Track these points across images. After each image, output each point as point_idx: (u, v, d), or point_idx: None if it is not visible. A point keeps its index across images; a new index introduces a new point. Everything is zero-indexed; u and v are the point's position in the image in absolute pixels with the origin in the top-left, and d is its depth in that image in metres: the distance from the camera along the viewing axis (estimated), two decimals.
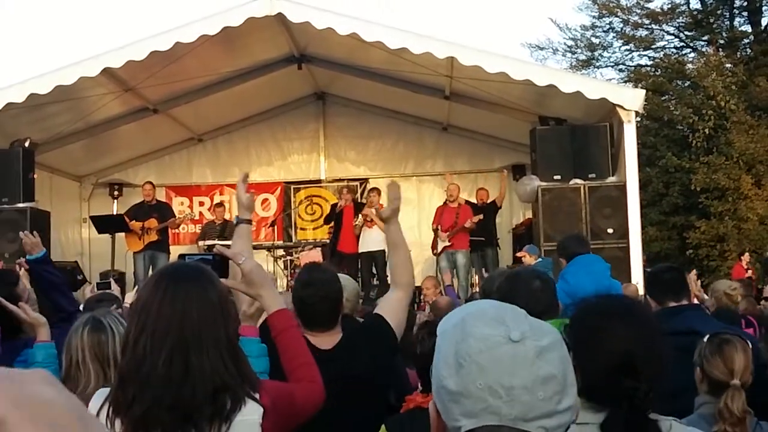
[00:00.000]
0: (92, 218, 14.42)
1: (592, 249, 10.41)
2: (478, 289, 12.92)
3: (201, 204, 16.35)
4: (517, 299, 3.41)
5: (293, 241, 15.69)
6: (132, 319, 2.30)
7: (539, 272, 4.02)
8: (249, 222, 3.58)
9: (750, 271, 15.85)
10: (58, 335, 4.22)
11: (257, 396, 2.27)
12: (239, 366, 2.27)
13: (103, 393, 2.34)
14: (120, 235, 13.59)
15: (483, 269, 13.61)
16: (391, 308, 3.65)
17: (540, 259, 10.45)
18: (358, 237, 13.95)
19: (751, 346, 3.53)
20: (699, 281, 6.98)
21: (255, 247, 13.69)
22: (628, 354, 2.15)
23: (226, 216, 14.80)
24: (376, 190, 14.62)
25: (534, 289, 3.47)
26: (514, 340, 1.40)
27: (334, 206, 14.26)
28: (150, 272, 13.10)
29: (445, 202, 13.82)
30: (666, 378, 3.87)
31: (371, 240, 13.88)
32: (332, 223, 14.22)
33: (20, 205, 11.41)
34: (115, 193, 15.89)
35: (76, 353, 3.08)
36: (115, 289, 6.11)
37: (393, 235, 3.76)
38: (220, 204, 15.03)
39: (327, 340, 3.44)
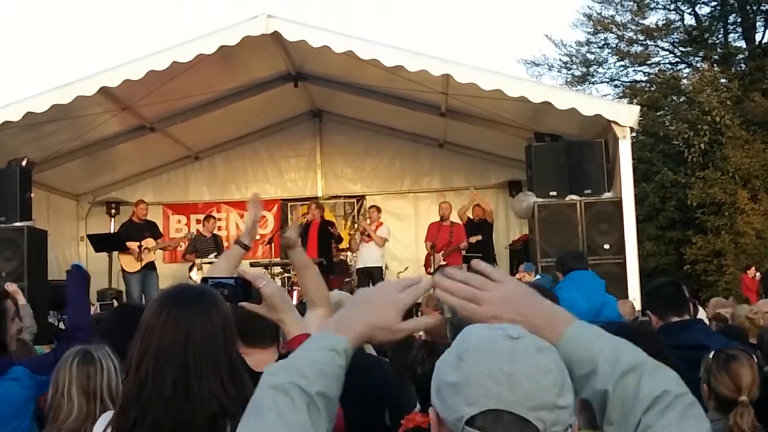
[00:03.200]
0: (89, 237, 14.42)
1: (588, 265, 10.50)
2: None
3: (198, 222, 16.32)
4: None
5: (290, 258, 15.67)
6: (135, 341, 2.30)
7: (541, 287, 4.01)
8: (246, 248, 3.51)
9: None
10: (41, 359, 4.18)
11: None
12: (240, 390, 2.26)
13: (107, 416, 2.37)
14: (115, 254, 13.57)
15: None
16: (318, 328, 3.49)
17: (538, 276, 10.45)
18: (339, 253, 14.08)
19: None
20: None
21: (252, 265, 13.79)
22: None
23: (216, 231, 14.90)
24: (376, 207, 14.69)
25: None
26: (513, 337, 1.43)
27: (300, 225, 14.24)
28: (143, 292, 13.09)
29: (439, 220, 13.86)
30: None
31: (369, 256, 13.95)
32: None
33: (17, 224, 11.38)
34: (113, 211, 15.86)
35: (63, 383, 3.08)
36: None
37: (299, 258, 3.64)
38: (211, 217, 15.00)
39: (264, 359, 3.25)
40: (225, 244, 15.20)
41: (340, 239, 14.74)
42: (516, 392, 1.38)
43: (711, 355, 3.50)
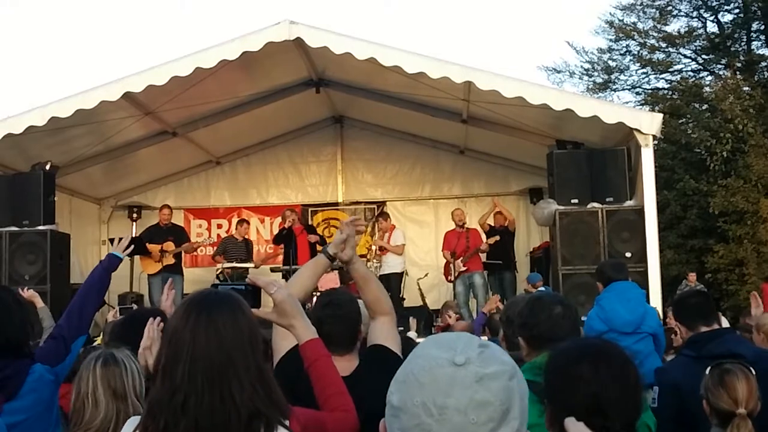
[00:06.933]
0: (111, 240, 14.50)
1: (629, 275, 10.45)
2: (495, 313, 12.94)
3: (219, 227, 16.43)
4: (538, 324, 3.44)
5: None
6: (162, 346, 2.32)
7: (561, 297, 4.00)
8: (331, 259, 3.51)
9: None
10: (43, 352, 4.12)
11: (287, 423, 2.27)
12: (270, 392, 2.28)
13: (134, 421, 2.36)
14: (137, 257, 13.64)
15: (501, 293, 13.63)
16: (386, 334, 3.56)
17: (542, 288, 10.42)
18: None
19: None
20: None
21: (272, 270, 13.85)
22: (595, 396, 2.19)
23: (252, 236, 14.96)
24: (383, 216, 14.77)
25: (555, 314, 3.47)
26: (457, 364, 1.44)
27: (282, 230, 14.17)
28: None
29: (456, 227, 13.85)
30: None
31: (386, 264, 14.01)
32: (282, 245, 14.02)
33: (41, 227, 11.47)
34: (134, 215, 15.95)
35: (86, 385, 3.10)
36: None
37: (359, 271, 3.59)
38: (245, 221, 15.05)
39: (344, 366, 3.33)
40: (255, 248, 15.28)
41: (324, 241, 14.69)
42: (445, 426, 1.40)
43: (708, 372, 3.52)
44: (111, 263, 4.57)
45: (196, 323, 2.26)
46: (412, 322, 10.29)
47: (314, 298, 12.91)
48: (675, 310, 4.77)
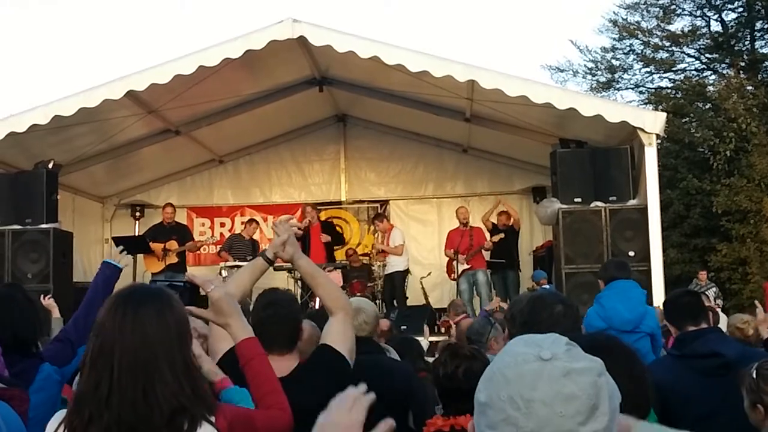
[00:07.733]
0: (114, 239, 14.51)
1: (631, 274, 10.43)
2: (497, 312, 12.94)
3: (222, 225, 16.43)
4: (539, 323, 3.42)
5: None
6: (90, 340, 2.32)
7: (562, 296, 3.99)
8: (269, 262, 3.55)
9: None
10: (51, 353, 4.14)
11: (213, 419, 2.29)
12: (196, 388, 2.29)
13: (59, 415, 2.36)
14: (140, 256, 13.66)
15: (504, 292, 13.63)
16: (337, 334, 3.52)
17: (546, 286, 10.36)
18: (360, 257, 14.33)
19: None
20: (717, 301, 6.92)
21: (276, 269, 13.85)
22: None
23: (256, 236, 14.94)
24: (379, 217, 14.79)
25: (556, 313, 3.45)
26: (544, 359, 1.44)
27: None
28: None
29: (459, 226, 13.85)
30: (689, 402, 3.82)
31: (390, 263, 14.06)
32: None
33: (43, 226, 11.45)
34: (137, 214, 15.97)
35: None
36: None
37: (305, 268, 3.65)
38: (254, 221, 15.04)
39: (284, 366, 3.33)
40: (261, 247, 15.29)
41: (341, 240, 14.74)
42: (532, 419, 1.39)
43: (753, 374, 3.43)
44: (109, 275, 4.54)
45: (122, 317, 2.27)
46: (426, 329, 10.15)
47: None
48: (665, 310, 4.77)
